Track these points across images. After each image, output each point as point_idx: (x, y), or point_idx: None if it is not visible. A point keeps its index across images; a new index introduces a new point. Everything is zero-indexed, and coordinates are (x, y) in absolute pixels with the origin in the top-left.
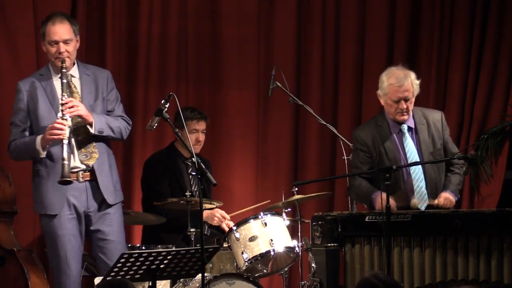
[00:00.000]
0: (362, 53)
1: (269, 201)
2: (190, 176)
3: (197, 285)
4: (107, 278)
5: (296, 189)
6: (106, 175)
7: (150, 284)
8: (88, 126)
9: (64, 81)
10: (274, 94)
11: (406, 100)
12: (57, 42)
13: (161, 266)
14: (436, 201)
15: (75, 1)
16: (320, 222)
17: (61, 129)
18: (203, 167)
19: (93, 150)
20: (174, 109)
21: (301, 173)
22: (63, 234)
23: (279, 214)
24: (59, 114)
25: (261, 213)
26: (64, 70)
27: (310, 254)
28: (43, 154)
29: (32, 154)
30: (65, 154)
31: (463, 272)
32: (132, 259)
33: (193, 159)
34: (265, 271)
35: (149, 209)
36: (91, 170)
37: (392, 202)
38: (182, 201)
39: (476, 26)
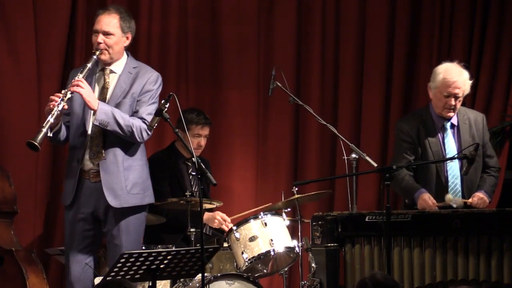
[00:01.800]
0: (362, 53)
1: (270, 204)
2: (190, 176)
3: (197, 285)
4: (107, 278)
5: (296, 189)
6: (115, 177)
7: (150, 284)
8: (92, 115)
9: (88, 65)
10: (274, 94)
11: (456, 97)
12: (97, 32)
13: (161, 266)
14: (470, 200)
15: (75, 1)
16: (320, 222)
17: (54, 100)
18: (203, 167)
19: (100, 150)
20: (175, 109)
21: (301, 173)
22: (68, 231)
23: (279, 214)
24: (64, 90)
25: (261, 213)
26: (94, 57)
27: (310, 254)
28: (50, 133)
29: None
30: (45, 122)
31: (463, 272)
32: (132, 259)
33: (193, 159)
34: (265, 271)
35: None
36: (99, 170)
37: (434, 203)
38: (182, 201)
39: (476, 26)
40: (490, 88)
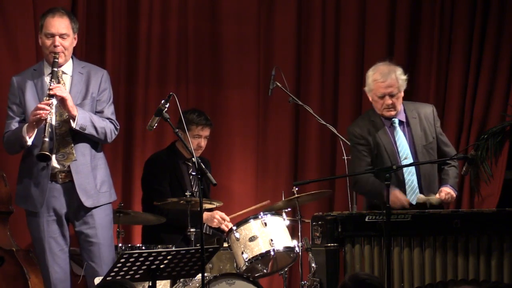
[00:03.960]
0: (362, 53)
1: (268, 201)
2: (191, 176)
3: (197, 285)
4: (107, 278)
5: (297, 189)
6: (86, 177)
7: (150, 284)
8: (71, 120)
9: (55, 69)
10: (274, 94)
11: (391, 95)
12: (53, 35)
13: (161, 266)
14: (437, 196)
15: (75, 1)
16: (320, 222)
17: (44, 109)
18: (203, 167)
19: (70, 151)
20: (175, 109)
21: (301, 173)
22: (42, 237)
23: (279, 214)
24: (45, 98)
25: (261, 213)
26: (56, 60)
27: (310, 254)
28: (29, 141)
29: (19, 142)
30: (46, 132)
31: (463, 272)
32: (132, 259)
33: (193, 159)
34: (265, 271)
35: (149, 208)
36: (68, 171)
37: (405, 199)
38: (182, 201)
39: (476, 26)
40: (490, 88)
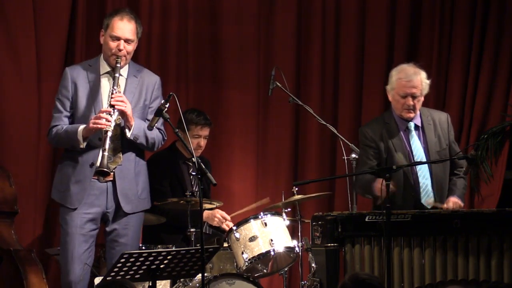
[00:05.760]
0: (362, 53)
1: (268, 198)
2: (191, 176)
3: (197, 285)
4: (107, 278)
5: (296, 189)
6: (129, 183)
7: (150, 284)
8: (126, 130)
9: (117, 75)
10: (274, 94)
11: (413, 97)
12: (119, 39)
13: (161, 266)
14: (445, 205)
15: (75, 1)
16: (320, 222)
17: (107, 120)
18: (203, 167)
19: (117, 155)
20: (175, 109)
21: (301, 173)
22: (72, 232)
23: (279, 214)
24: (106, 106)
25: (261, 213)
26: (118, 65)
27: (310, 254)
28: (83, 144)
29: (72, 143)
30: (107, 145)
31: (463, 272)
32: (132, 259)
33: (194, 159)
34: (265, 271)
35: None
36: (112, 172)
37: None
38: (182, 201)
39: (476, 26)
40: (490, 88)
